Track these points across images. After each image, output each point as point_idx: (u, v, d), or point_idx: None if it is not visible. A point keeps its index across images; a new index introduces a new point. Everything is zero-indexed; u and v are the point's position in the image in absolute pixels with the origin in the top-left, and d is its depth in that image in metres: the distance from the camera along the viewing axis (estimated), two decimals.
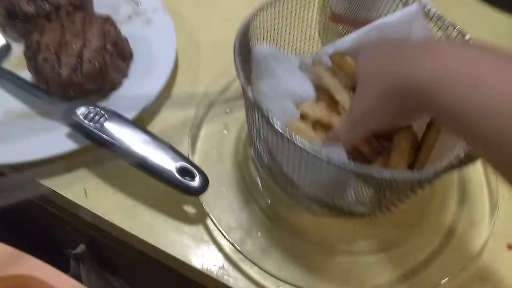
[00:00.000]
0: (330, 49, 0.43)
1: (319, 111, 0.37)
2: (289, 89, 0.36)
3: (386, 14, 0.48)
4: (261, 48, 0.37)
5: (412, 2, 0.42)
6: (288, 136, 0.30)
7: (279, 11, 0.42)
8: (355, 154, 0.37)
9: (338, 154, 0.30)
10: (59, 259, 0.52)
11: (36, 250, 0.39)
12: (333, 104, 0.39)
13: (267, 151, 0.38)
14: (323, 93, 0.40)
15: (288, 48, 0.46)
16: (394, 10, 0.45)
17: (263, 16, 0.40)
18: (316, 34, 0.49)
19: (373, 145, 0.36)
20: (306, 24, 0.46)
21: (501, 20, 0.63)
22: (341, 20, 0.51)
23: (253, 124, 0.36)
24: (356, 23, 0.51)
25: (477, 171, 0.46)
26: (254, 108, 0.32)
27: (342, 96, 0.38)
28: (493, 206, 0.42)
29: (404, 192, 0.34)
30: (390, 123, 0.32)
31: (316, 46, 0.49)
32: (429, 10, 0.41)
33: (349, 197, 0.35)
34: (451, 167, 0.31)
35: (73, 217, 0.45)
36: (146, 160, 0.39)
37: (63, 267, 0.57)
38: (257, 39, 0.41)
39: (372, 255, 0.39)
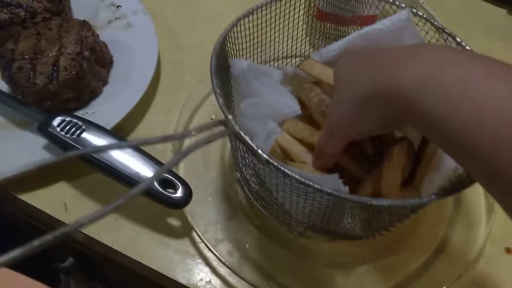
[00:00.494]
0: (315, 57, 0.41)
1: (302, 131, 0.35)
2: (272, 108, 0.34)
3: (373, 12, 0.47)
4: (239, 63, 0.34)
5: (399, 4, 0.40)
6: (278, 166, 0.27)
7: (261, 16, 0.40)
8: (344, 174, 0.34)
9: (333, 183, 0.27)
10: (49, 273, 0.51)
11: (25, 264, 0.37)
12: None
13: (254, 176, 0.36)
14: (306, 108, 0.38)
15: (274, 52, 0.44)
16: (383, 8, 0.44)
17: (243, 24, 0.38)
18: (304, 34, 0.47)
19: (361, 164, 0.34)
20: (293, 25, 0.44)
21: (492, 13, 0.62)
22: (326, 17, 0.49)
23: (237, 151, 0.34)
24: (342, 21, 0.50)
25: None
26: (237, 138, 0.29)
27: (319, 115, 0.36)
28: (490, 209, 0.41)
29: (404, 214, 0.31)
30: (369, 131, 0.29)
31: (304, 47, 0.47)
32: (417, 12, 0.38)
33: (346, 223, 0.33)
34: (456, 189, 0.28)
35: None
36: (125, 172, 0.37)
37: (54, 281, 0.56)
38: (236, 50, 0.38)
39: (363, 265, 0.38)
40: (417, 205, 0.28)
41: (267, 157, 0.27)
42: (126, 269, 0.41)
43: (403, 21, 0.38)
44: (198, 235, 0.38)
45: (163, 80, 0.51)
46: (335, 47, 0.41)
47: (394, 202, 0.27)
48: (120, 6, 0.53)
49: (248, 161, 0.34)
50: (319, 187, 0.26)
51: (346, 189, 0.27)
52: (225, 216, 0.40)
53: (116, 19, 0.52)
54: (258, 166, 0.32)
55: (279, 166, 0.27)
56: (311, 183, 0.26)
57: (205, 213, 0.40)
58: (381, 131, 0.30)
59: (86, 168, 0.41)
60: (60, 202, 0.40)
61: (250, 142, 0.28)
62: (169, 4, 0.58)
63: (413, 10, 0.39)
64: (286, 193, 0.30)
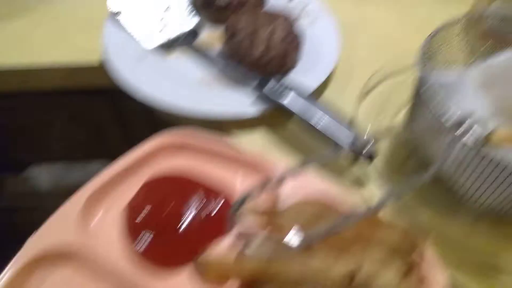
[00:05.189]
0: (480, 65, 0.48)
1: None
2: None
3: None
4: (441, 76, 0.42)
5: None
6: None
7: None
8: None
9: None
10: None
11: None
12: None
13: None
14: None
15: None
16: None
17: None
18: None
19: None
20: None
21: None
22: (491, 37, 0.56)
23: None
24: (504, 41, 0.56)
25: None
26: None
27: None
28: None
29: None
30: None
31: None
32: None
33: None
34: None
35: None
36: (325, 128, 0.47)
37: None
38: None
39: None
40: None
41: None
42: None
43: None
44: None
45: (338, 69, 0.60)
46: (500, 59, 0.47)
47: None
48: (306, 5, 0.65)
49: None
50: None
51: None
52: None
53: (303, 16, 0.64)
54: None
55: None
56: None
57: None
58: None
59: (281, 121, 0.51)
60: (259, 147, 0.51)
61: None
62: (346, 2, 0.70)
63: None
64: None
